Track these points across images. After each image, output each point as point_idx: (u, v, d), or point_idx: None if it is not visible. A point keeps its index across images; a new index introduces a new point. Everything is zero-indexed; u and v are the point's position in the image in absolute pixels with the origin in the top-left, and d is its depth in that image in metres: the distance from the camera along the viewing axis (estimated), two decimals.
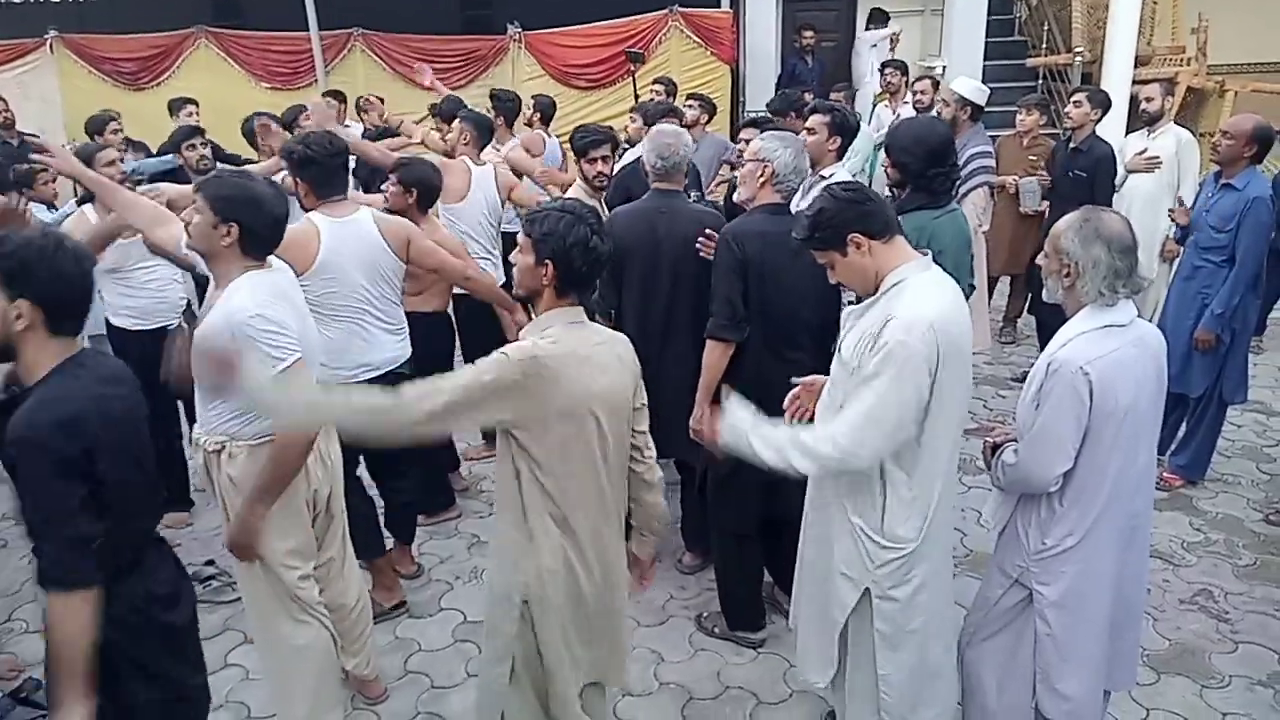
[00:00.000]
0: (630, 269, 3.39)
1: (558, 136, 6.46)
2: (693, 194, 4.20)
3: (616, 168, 4.48)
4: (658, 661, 3.29)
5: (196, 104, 6.63)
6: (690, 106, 5.89)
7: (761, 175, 3.01)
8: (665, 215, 3.38)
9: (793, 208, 3.12)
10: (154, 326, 4.01)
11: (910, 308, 2.14)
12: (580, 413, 2.07)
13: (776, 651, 3.30)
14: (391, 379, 2.98)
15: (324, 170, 3.15)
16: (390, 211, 3.60)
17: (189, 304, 4.14)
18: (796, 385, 2.58)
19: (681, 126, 4.37)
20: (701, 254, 3.25)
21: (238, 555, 2.56)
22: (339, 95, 7.40)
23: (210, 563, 3.85)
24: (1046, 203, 5.78)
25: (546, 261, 2.08)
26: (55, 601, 1.79)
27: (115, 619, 1.92)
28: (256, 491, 2.46)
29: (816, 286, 2.93)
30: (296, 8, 8.21)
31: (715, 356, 3.03)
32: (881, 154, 3.68)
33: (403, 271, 3.37)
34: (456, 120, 4.83)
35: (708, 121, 6.14)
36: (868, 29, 9.68)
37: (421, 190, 3.80)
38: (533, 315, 2.23)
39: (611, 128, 4.48)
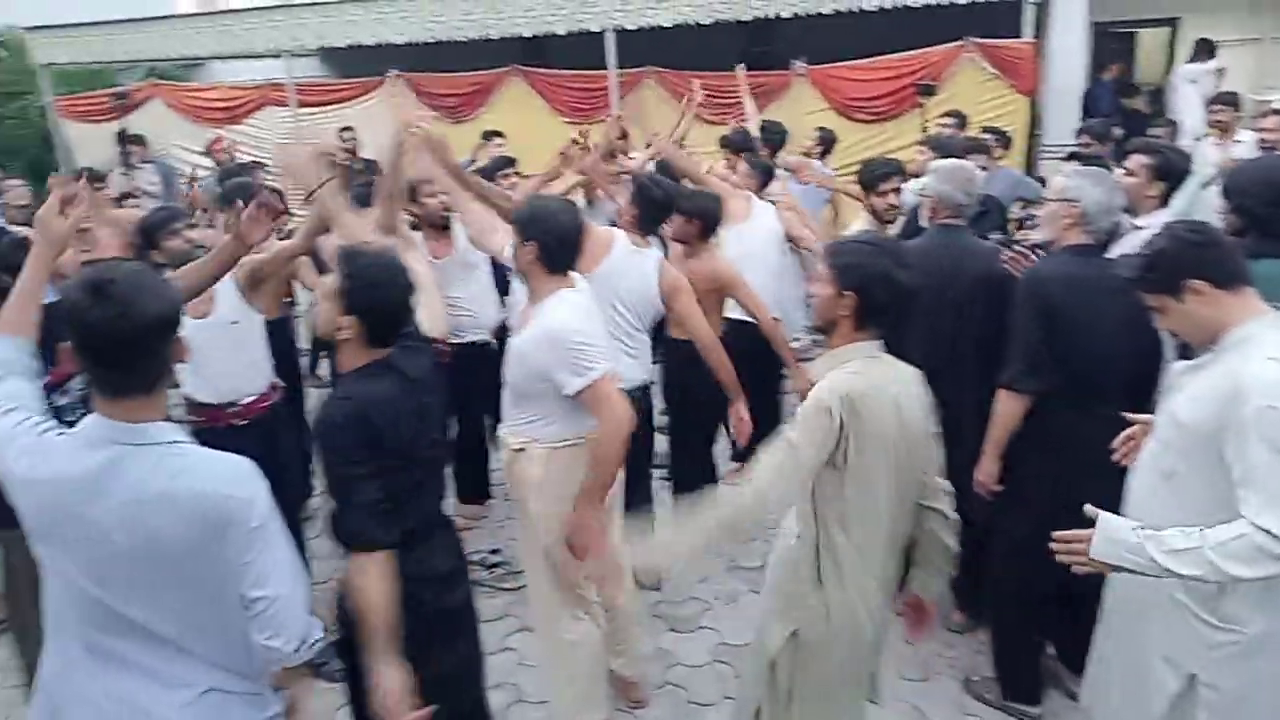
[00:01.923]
0: (914, 308, 3.26)
1: (839, 170, 6.43)
2: (993, 235, 4.02)
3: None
4: (921, 718, 3.15)
5: (504, 136, 7.37)
6: (985, 140, 5.65)
7: (1068, 216, 2.82)
8: (952, 252, 3.24)
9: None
10: (464, 341, 4.25)
11: (1273, 368, 1.88)
12: (885, 448, 2.05)
13: None
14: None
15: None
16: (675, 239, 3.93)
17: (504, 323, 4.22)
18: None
19: (983, 160, 4.21)
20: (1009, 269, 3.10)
21: (575, 554, 2.67)
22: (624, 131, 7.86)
23: (496, 551, 4.19)
24: None
25: (848, 292, 2.07)
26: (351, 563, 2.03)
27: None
28: (584, 492, 2.62)
29: (1133, 336, 2.71)
30: (597, 48, 8.82)
31: (1010, 408, 2.85)
32: (1213, 198, 3.31)
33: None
34: (743, 164, 4.93)
35: (1001, 156, 5.85)
36: (1191, 61, 8.80)
37: (704, 220, 3.93)
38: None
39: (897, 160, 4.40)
